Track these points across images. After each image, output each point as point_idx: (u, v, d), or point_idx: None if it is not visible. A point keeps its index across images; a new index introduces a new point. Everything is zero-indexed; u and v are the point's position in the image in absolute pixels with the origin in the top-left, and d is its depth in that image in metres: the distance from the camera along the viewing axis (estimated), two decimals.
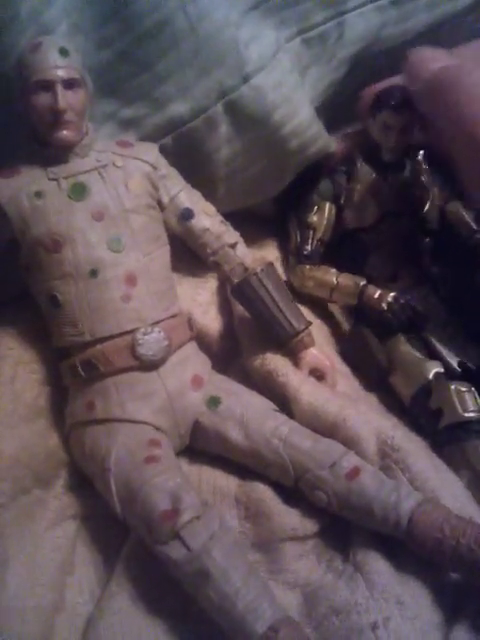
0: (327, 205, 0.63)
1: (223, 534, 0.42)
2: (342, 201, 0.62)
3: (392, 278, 0.59)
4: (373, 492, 0.44)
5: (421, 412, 0.52)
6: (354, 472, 0.45)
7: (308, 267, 0.61)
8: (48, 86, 0.48)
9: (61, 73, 0.48)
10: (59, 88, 0.48)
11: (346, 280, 0.58)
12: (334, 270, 0.60)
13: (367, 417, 0.49)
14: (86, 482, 0.49)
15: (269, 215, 0.67)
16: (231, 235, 0.55)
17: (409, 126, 0.58)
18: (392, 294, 0.56)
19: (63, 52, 0.48)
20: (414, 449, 0.48)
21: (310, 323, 0.54)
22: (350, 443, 0.48)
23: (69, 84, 0.48)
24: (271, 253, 0.65)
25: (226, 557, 0.40)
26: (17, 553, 0.44)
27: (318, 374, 0.54)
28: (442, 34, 0.65)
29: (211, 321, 0.59)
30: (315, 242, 0.62)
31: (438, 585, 0.43)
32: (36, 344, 0.54)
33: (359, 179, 0.62)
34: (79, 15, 0.52)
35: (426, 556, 0.42)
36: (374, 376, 0.56)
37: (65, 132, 0.49)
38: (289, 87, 0.57)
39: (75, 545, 0.47)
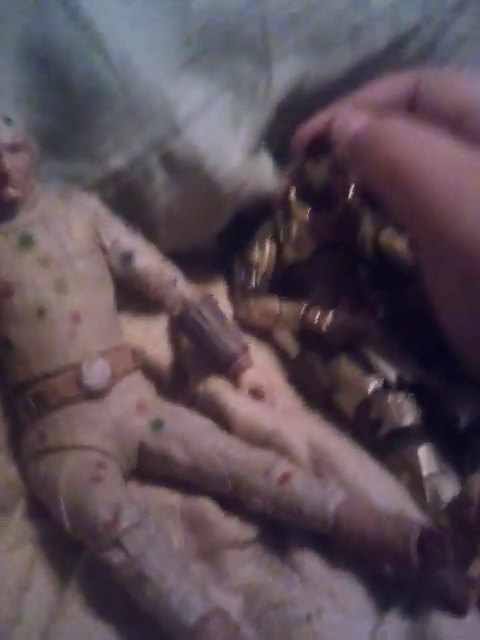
0: (267, 243, 0.67)
1: (160, 538, 0.45)
2: (281, 239, 0.67)
3: (334, 306, 0.62)
4: (302, 493, 0.47)
5: (363, 424, 0.55)
6: (286, 477, 0.48)
7: (253, 300, 0.65)
8: None
9: (5, 139, 0.53)
10: (4, 153, 0.53)
11: (289, 307, 0.62)
12: (276, 298, 0.64)
13: (300, 426, 0.53)
14: (42, 510, 0.53)
15: (213, 252, 0.72)
16: (170, 272, 0.60)
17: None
18: (330, 315, 0.59)
19: (7, 121, 0.54)
20: (344, 454, 0.51)
21: (247, 347, 0.59)
22: (284, 452, 0.51)
23: (14, 148, 0.54)
24: (219, 287, 0.69)
25: (161, 559, 0.43)
26: None
27: (258, 394, 0.57)
28: (366, 74, 0.69)
29: (161, 353, 0.62)
30: (259, 277, 0.66)
31: (370, 578, 0.46)
32: None
33: (295, 216, 0.66)
34: (23, 87, 0.58)
35: (352, 551, 0.46)
36: (318, 396, 0.59)
37: (11, 190, 0.54)
38: (219, 137, 0.62)
39: (33, 565, 0.50)
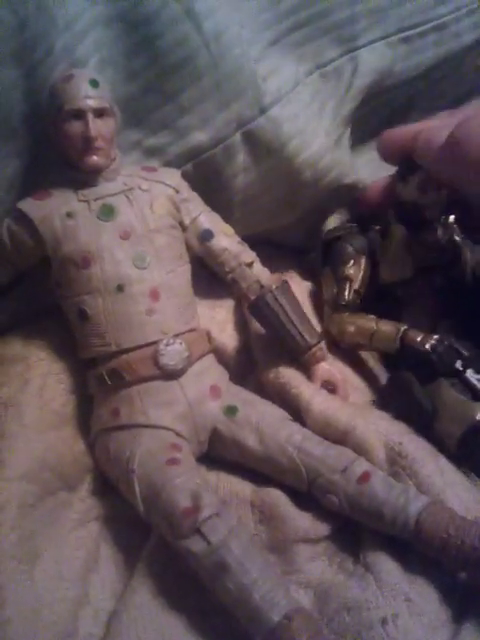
0: (363, 259, 0.64)
1: (241, 530, 0.44)
2: (377, 256, 0.64)
3: (432, 330, 0.58)
4: (383, 495, 0.46)
5: (472, 450, 0.52)
6: (365, 476, 0.47)
7: (347, 314, 0.62)
8: (79, 115, 0.51)
9: (92, 103, 0.51)
10: (90, 117, 0.51)
11: (386, 325, 0.59)
12: (373, 316, 0.60)
13: (376, 425, 0.52)
14: (109, 487, 0.52)
15: (296, 246, 0.71)
16: (248, 254, 0.59)
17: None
18: (435, 336, 0.56)
19: (93, 83, 0.52)
20: (421, 455, 0.50)
21: (322, 337, 0.57)
22: (360, 450, 0.50)
23: (99, 113, 0.52)
24: (295, 283, 0.66)
25: (244, 550, 0.42)
26: (45, 550, 0.47)
27: (330, 387, 0.56)
28: (448, 68, 0.70)
29: (228, 338, 0.61)
30: (352, 292, 0.63)
31: (446, 584, 0.45)
32: (64, 356, 0.56)
33: (393, 236, 0.63)
34: (108, 50, 0.56)
35: (433, 556, 0.44)
36: (418, 421, 0.55)
37: (95, 157, 0.52)
38: (304, 119, 0.61)
39: (99, 545, 0.50)
